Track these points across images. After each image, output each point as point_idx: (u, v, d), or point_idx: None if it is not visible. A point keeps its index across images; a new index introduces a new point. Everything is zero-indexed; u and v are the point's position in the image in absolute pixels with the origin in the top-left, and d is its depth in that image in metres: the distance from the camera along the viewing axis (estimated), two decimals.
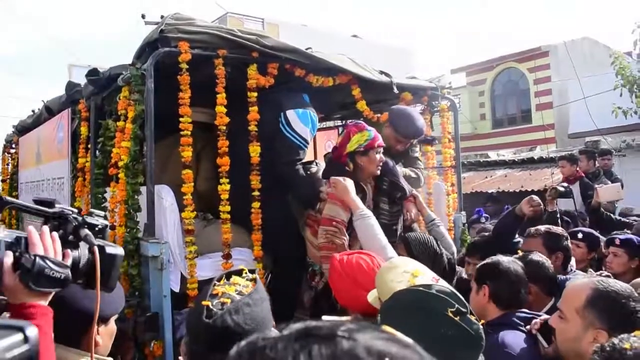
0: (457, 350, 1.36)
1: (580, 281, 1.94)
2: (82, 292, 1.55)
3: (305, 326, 0.59)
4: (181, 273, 3.02)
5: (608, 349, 1.32)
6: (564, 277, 2.90)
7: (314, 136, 4.03)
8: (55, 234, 1.28)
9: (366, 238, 2.84)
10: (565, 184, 5.16)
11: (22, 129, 5.66)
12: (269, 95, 3.35)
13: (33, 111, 5.30)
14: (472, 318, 1.40)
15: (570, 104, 12.72)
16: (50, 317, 1.23)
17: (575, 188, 6.70)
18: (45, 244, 1.23)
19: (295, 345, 0.56)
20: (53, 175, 4.29)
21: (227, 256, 3.11)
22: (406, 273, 1.96)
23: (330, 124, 5.92)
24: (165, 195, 2.98)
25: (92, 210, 1.45)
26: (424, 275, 1.96)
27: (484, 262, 2.54)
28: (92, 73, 3.56)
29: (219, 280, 1.46)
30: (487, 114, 18.43)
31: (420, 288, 1.49)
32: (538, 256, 2.80)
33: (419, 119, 3.77)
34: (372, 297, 2.10)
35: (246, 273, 1.49)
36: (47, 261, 1.20)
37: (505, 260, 2.49)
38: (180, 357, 2.84)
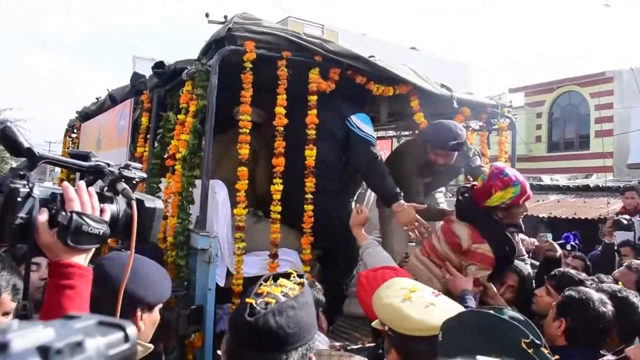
0: None
1: None
2: (132, 275, 1.58)
3: None
4: (227, 268, 3.05)
5: None
6: None
7: None
8: (92, 188, 1.21)
9: (375, 263, 2.79)
10: (628, 217, 4.95)
11: (85, 115, 5.86)
12: (328, 100, 3.37)
13: (97, 99, 5.49)
14: (546, 352, 1.30)
15: (631, 133, 12.24)
16: (88, 278, 1.19)
17: (636, 220, 6.43)
18: (82, 199, 1.17)
19: None
20: (112, 162, 4.42)
21: (274, 255, 3.12)
22: (403, 289, 1.92)
23: (382, 133, 5.89)
24: (219, 189, 3.02)
25: (129, 162, 1.35)
26: (422, 291, 1.91)
27: (572, 293, 2.37)
28: (158, 66, 3.65)
29: (266, 280, 1.43)
30: (543, 136, 17.95)
31: (491, 312, 1.38)
32: (634, 297, 2.55)
33: (451, 128, 3.59)
34: (376, 323, 2.09)
35: (294, 277, 1.47)
36: (84, 217, 1.14)
37: (596, 298, 2.31)
38: (219, 352, 2.87)
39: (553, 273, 3.00)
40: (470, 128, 4.56)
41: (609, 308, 2.30)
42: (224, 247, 2.99)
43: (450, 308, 1.80)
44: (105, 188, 1.26)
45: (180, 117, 3.26)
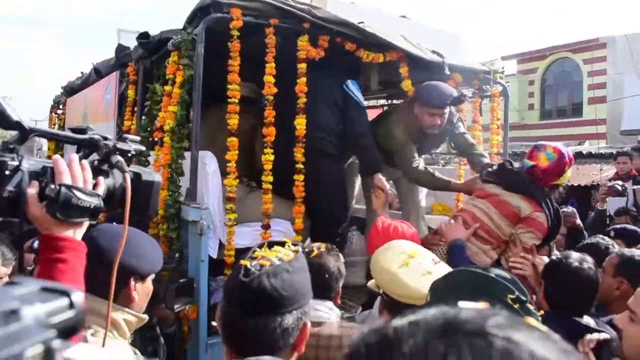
0: None
1: None
2: (126, 248, 1.56)
3: (445, 318, 0.49)
4: (220, 239, 3.03)
5: None
6: None
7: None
8: (85, 161, 1.20)
9: None
10: (621, 183, 4.96)
11: (71, 90, 5.77)
12: (326, 67, 3.37)
13: (82, 73, 5.39)
14: (532, 308, 1.31)
15: (625, 99, 12.23)
16: (81, 252, 1.18)
17: (629, 186, 6.46)
18: (73, 172, 1.16)
19: (440, 343, 0.46)
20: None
21: (267, 226, 3.11)
22: (402, 254, 1.92)
23: (372, 102, 5.83)
24: (208, 161, 2.98)
25: (126, 135, 1.34)
26: (421, 257, 1.91)
27: (554, 257, 2.41)
28: (143, 36, 3.57)
29: (260, 247, 1.42)
30: (535, 104, 17.91)
31: (478, 270, 1.39)
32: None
33: (445, 86, 3.60)
34: (371, 283, 2.13)
35: (289, 245, 1.45)
36: (74, 190, 1.13)
37: (572, 259, 2.29)
38: (213, 323, 2.87)
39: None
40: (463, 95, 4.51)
41: (591, 269, 2.27)
42: (215, 218, 2.97)
43: None
44: (97, 161, 1.23)
45: (167, 88, 3.20)
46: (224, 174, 3.07)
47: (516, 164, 3.23)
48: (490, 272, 1.37)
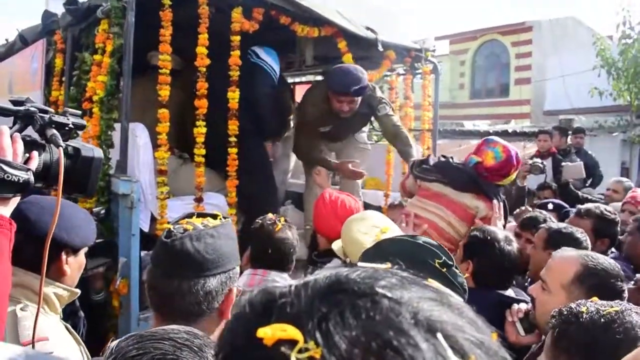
0: None
1: (569, 254, 1.82)
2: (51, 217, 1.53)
3: (336, 277, 0.47)
4: (152, 213, 3.00)
5: (565, 312, 1.31)
6: None
7: (289, 87, 4.04)
8: (17, 134, 1.16)
9: None
10: (540, 160, 5.25)
11: None
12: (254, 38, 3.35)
13: (6, 40, 5.09)
14: (458, 271, 1.36)
15: (548, 81, 12.83)
16: (6, 228, 1.13)
17: (548, 163, 6.84)
18: (2, 144, 1.11)
19: (323, 303, 0.44)
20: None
21: (199, 200, 3.10)
22: (375, 227, 1.96)
23: (310, 77, 5.86)
24: (139, 133, 2.93)
25: (67, 109, 1.30)
26: (392, 232, 1.94)
27: (477, 233, 2.39)
28: (71, 2, 3.41)
29: (190, 217, 1.42)
30: (466, 84, 18.46)
31: (406, 238, 1.44)
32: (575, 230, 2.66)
33: (353, 72, 3.55)
34: (337, 246, 2.16)
35: (220, 219, 1.46)
36: (1, 164, 1.08)
37: (501, 237, 2.35)
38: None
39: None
40: (395, 72, 4.62)
41: (513, 246, 2.36)
42: (146, 191, 2.93)
43: None
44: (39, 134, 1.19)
45: (97, 57, 3.10)
46: (155, 146, 3.03)
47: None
48: (418, 239, 1.42)
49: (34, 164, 1.16)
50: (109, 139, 2.89)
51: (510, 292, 2.37)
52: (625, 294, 1.71)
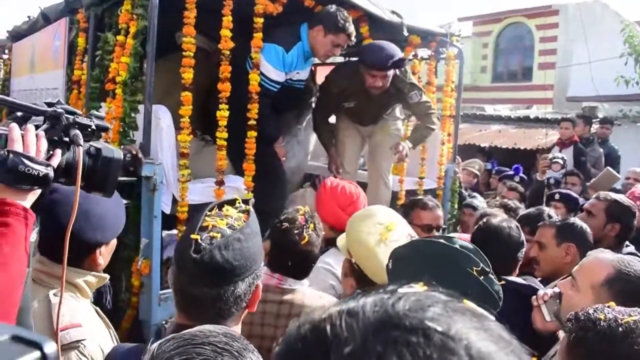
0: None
1: (604, 256, 1.83)
2: (87, 223, 1.62)
3: (384, 310, 0.48)
4: (173, 195, 3.02)
5: (582, 317, 1.28)
6: None
7: (309, 71, 3.97)
8: (41, 132, 1.23)
9: None
10: (560, 156, 5.17)
11: (17, 35, 5.46)
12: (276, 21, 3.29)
13: (29, 17, 5.11)
14: (494, 278, 1.34)
15: (572, 66, 12.57)
16: (26, 218, 1.19)
17: (569, 152, 6.74)
18: (27, 141, 1.18)
19: (378, 341, 0.45)
20: (47, 86, 4.19)
21: (220, 183, 3.11)
22: (379, 225, 1.90)
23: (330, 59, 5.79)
24: (162, 115, 2.93)
25: (93, 112, 1.39)
26: (398, 230, 1.89)
27: (481, 224, 2.48)
28: None
29: (211, 210, 1.40)
30: (488, 67, 18.17)
31: (442, 241, 1.40)
32: (580, 222, 2.75)
33: (387, 47, 3.55)
34: (341, 242, 2.11)
35: (239, 203, 1.45)
36: (23, 157, 1.15)
37: (495, 221, 2.42)
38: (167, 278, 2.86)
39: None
40: (418, 56, 4.56)
41: (512, 229, 2.39)
42: (169, 174, 2.94)
43: None
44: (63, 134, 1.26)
45: (120, 38, 3.09)
46: (177, 128, 3.04)
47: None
48: (454, 242, 1.38)
49: (56, 161, 1.23)
50: (132, 121, 2.90)
51: (516, 279, 2.37)
52: None
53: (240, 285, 1.30)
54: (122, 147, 2.79)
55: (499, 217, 2.51)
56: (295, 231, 2.00)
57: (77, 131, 1.27)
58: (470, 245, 1.39)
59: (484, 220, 2.47)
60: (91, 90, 3.29)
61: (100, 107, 3.29)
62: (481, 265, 1.33)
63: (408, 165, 4.36)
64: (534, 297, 2.10)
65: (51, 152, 1.23)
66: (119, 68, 2.99)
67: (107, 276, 1.78)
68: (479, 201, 4.74)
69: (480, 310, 0.52)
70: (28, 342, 0.53)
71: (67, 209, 1.61)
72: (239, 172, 3.31)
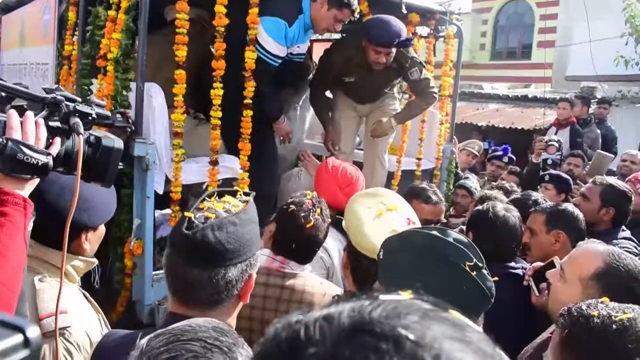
0: (466, 306, 1.30)
1: (594, 248, 1.78)
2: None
3: (360, 315, 0.48)
4: (166, 175, 2.97)
5: (575, 313, 1.25)
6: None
7: (307, 47, 3.90)
8: (41, 120, 1.21)
9: None
10: (556, 139, 5.14)
11: (6, 8, 5.34)
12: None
13: None
14: (487, 274, 1.30)
15: (572, 45, 12.45)
16: (25, 207, 1.17)
17: (565, 133, 6.71)
18: (26, 128, 1.16)
19: (348, 346, 0.45)
20: (37, 60, 4.10)
21: (214, 162, 3.06)
22: (382, 205, 1.88)
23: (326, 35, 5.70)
24: (155, 94, 2.86)
25: (93, 99, 1.40)
26: (398, 213, 1.87)
27: (478, 207, 2.50)
28: None
29: (210, 196, 1.39)
30: (487, 44, 18.01)
31: (435, 233, 1.35)
32: (572, 208, 2.74)
33: (394, 24, 3.48)
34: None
35: (241, 195, 1.42)
36: (22, 146, 1.13)
37: (499, 208, 2.42)
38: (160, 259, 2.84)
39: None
40: (417, 34, 4.47)
41: (512, 216, 2.39)
42: (162, 153, 2.89)
43: None
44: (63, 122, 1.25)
45: (111, 13, 3.00)
46: (169, 106, 2.97)
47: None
48: (448, 235, 1.34)
49: (55, 149, 1.21)
50: (125, 100, 2.84)
51: (513, 265, 2.39)
52: None
53: (231, 270, 1.28)
54: (113, 110, 2.74)
55: (500, 205, 2.49)
56: (302, 214, 2.01)
57: (78, 119, 1.25)
58: (465, 239, 1.35)
59: (491, 207, 2.44)
60: (82, 67, 3.21)
61: (92, 83, 3.23)
62: (474, 260, 1.29)
63: (407, 145, 4.33)
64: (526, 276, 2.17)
65: (50, 141, 1.21)
66: (111, 44, 2.92)
67: (95, 260, 1.75)
68: (472, 182, 4.71)
69: (465, 320, 0.50)
70: (10, 325, 0.52)
71: (57, 189, 1.59)
72: (234, 152, 3.26)
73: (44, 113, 1.25)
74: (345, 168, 2.94)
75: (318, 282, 2.05)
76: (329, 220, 2.17)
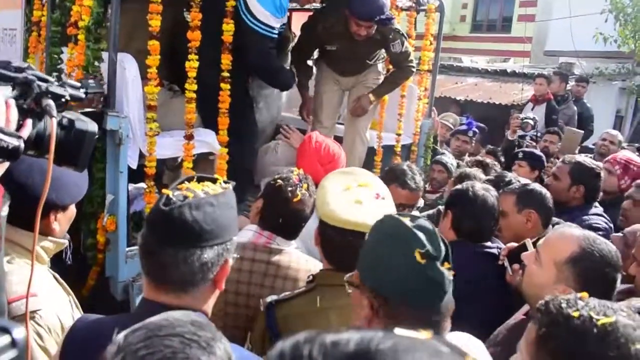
0: (415, 296, 1.26)
1: (570, 232, 1.79)
2: (42, 178, 1.47)
3: (367, 347, 0.48)
4: (140, 149, 2.90)
5: (554, 311, 1.20)
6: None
7: (287, 16, 3.81)
8: (12, 101, 1.14)
9: None
10: (531, 117, 5.17)
11: None
12: None
13: None
14: (441, 267, 1.24)
15: (552, 20, 12.45)
16: None
17: (542, 109, 6.75)
18: None
19: None
20: (5, 26, 3.92)
21: (190, 137, 3.00)
22: (355, 182, 1.89)
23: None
24: (128, 65, 2.77)
25: (66, 80, 1.32)
26: (369, 189, 1.87)
27: (457, 186, 2.51)
28: None
29: (189, 180, 1.36)
30: (467, 16, 17.91)
31: (401, 217, 1.32)
32: (539, 187, 2.78)
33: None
34: None
35: (220, 182, 1.40)
36: None
37: (478, 187, 2.43)
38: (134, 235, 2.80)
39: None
40: (398, 8, 4.40)
41: (491, 196, 2.42)
42: (135, 127, 2.81)
43: (375, 215, 1.78)
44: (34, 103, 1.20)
45: None
46: (143, 77, 2.88)
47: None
48: (415, 221, 1.31)
49: (26, 132, 1.16)
50: (96, 71, 2.74)
51: (490, 245, 2.42)
52: (618, 284, 1.70)
53: (207, 251, 1.27)
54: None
55: (479, 185, 2.50)
56: (289, 189, 2.07)
57: (50, 101, 1.19)
58: (430, 227, 1.30)
59: (470, 186, 2.45)
60: (52, 35, 3.09)
61: (62, 52, 3.11)
62: (427, 247, 1.24)
63: (386, 120, 4.30)
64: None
65: (21, 123, 1.16)
66: (82, 12, 2.79)
67: (66, 241, 1.72)
68: (449, 157, 4.73)
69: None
70: None
71: (24, 167, 1.54)
72: (211, 126, 3.20)
73: (14, 93, 1.18)
74: (328, 145, 2.97)
75: (304, 259, 2.09)
76: (314, 194, 2.18)
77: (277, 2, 3.15)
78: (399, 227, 1.29)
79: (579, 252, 1.68)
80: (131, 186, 3.20)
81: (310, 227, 2.05)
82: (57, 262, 1.81)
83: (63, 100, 1.24)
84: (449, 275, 1.26)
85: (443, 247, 1.27)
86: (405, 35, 3.93)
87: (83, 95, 1.36)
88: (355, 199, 1.79)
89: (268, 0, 3.12)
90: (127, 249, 2.81)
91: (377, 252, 1.33)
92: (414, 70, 4.08)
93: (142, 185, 3.12)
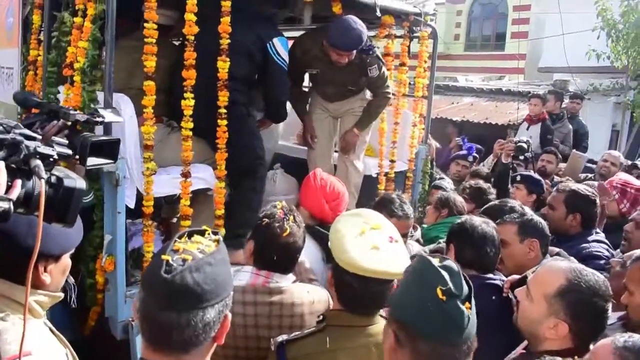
0: (435, 332, 1.32)
1: (557, 266, 1.85)
2: (28, 229, 1.46)
3: None
4: (137, 189, 2.90)
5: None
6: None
7: None
8: (1, 163, 1.16)
9: None
10: (525, 139, 5.17)
11: None
12: (246, 18, 3.22)
13: None
14: (462, 305, 1.30)
15: (545, 38, 12.56)
16: None
17: (537, 129, 6.77)
18: None
19: None
20: (1, 64, 3.97)
21: (187, 175, 3.00)
22: (366, 224, 1.94)
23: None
24: (124, 106, 2.77)
25: (54, 138, 1.37)
26: (382, 231, 1.93)
27: (457, 220, 2.55)
28: None
29: (180, 237, 1.36)
30: (461, 35, 18.08)
31: (428, 257, 1.41)
32: (537, 217, 2.79)
33: (354, 29, 3.54)
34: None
35: (209, 234, 1.40)
36: None
37: (475, 220, 2.47)
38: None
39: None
40: (392, 35, 4.44)
41: (489, 227, 2.45)
42: (132, 167, 2.81)
43: (391, 260, 1.82)
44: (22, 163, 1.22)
45: (77, 20, 2.89)
46: (140, 113, 2.89)
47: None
48: (442, 261, 1.39)
49: (15, 193, 1.17)
50: (92, 112, 2.74)
51: (492, 276, 2.43)
52: (609, 314, 1.72)
53: (209, 311, 1.27)
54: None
55: (477, 218, 2.54)
56: (276, 224, 2.09)
57: (39, 162, 1.21)
58: (455, 267, 1.37)
59: (467, 219, 2.52)
60: (48, 75, 3.10)
61: (59, 92, 3.13)
62: (449, 285, 1.31)
63: (385, 148, 4.33)
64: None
65: (10, 183, 1.17)
66: (77, 53, 2.82)
67: (62, 295, 1.68)
68: (447, 182, 4.75)
69: None
70: None
71: (15, 218, 1.51)
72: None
73: (2, 154, 1.20)
74: (333, 183, 3.01)
75: (305, 291, 2.12)
76: (303, 224, 2.23)
77: (286, 45, 3.47)
78: (427, 265, 1.38)
79: (566, 285, 1.74)
80: (128, 221, 3.19)
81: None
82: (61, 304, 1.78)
83: (51, 159, 1.27)
84: (468, 313, 1.32)
85: (466, 288, 1.34)
86: (381, 58, 4.01)
87: (70, 153, 1.38)
88: (372, 244, 1.84)
89: (286, 45, 3.48)
90: (126, 288, 2.80)
91: (405, 287, 1.43)
92: (390, 97, 4.16)
93: (138, 221, 3.10)
